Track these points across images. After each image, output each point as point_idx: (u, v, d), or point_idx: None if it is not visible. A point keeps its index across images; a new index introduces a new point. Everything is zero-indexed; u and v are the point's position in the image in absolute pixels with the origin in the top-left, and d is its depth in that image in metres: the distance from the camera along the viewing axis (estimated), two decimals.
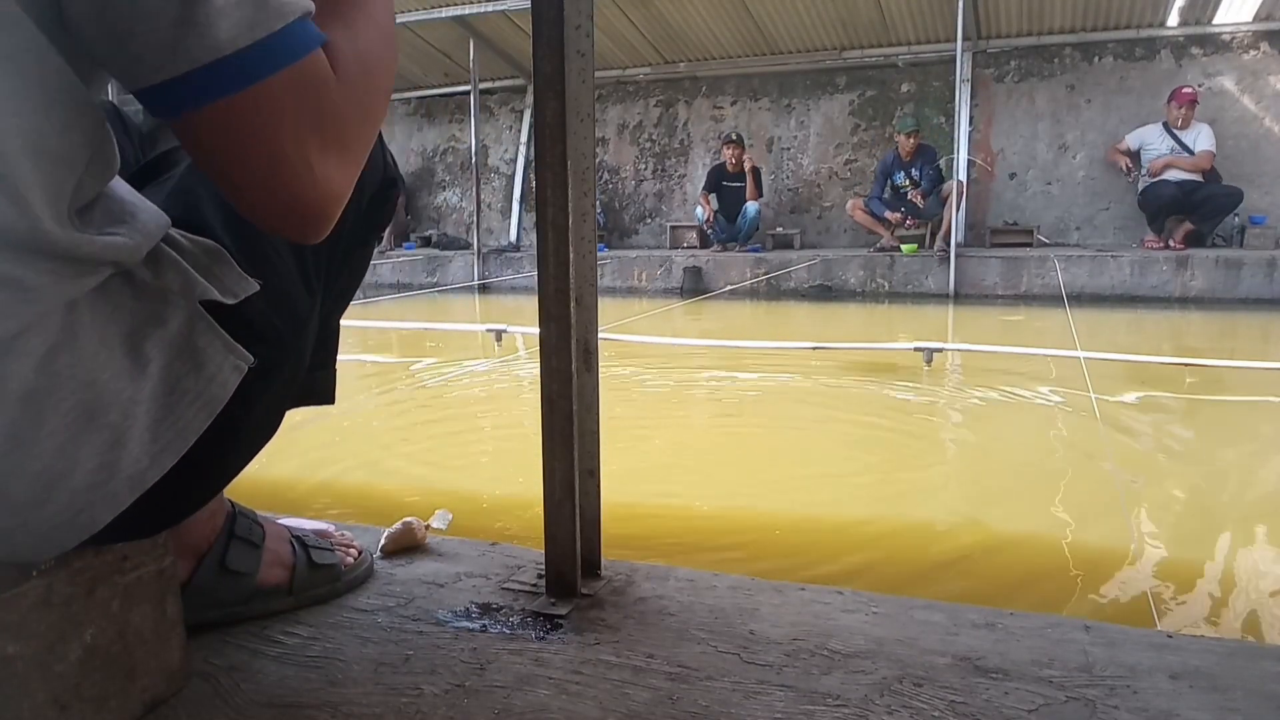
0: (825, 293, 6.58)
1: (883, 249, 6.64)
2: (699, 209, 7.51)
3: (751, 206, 7.29)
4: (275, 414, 0.70)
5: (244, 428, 0.63)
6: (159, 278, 0.54)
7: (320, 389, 0.81)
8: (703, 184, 7.72)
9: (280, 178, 0.47)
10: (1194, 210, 6.12)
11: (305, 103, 0.46)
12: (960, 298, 6.13)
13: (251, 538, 0.82)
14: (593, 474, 0.90)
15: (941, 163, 6.90)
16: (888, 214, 6.91)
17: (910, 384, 3.12)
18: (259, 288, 0.60)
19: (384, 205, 0.77)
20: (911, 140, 6.82)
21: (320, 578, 0.87)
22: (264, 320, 0.61)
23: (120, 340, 0.52)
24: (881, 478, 2.09)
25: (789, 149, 8.08)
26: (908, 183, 6.90)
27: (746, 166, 7.29)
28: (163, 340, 0.54)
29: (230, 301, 0.58)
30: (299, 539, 0.88)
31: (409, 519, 1.01)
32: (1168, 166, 6.18)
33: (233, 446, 0.64)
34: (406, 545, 1.00)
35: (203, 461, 0.60)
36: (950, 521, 1.76)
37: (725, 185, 7.46)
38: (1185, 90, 6.21)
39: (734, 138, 7.44)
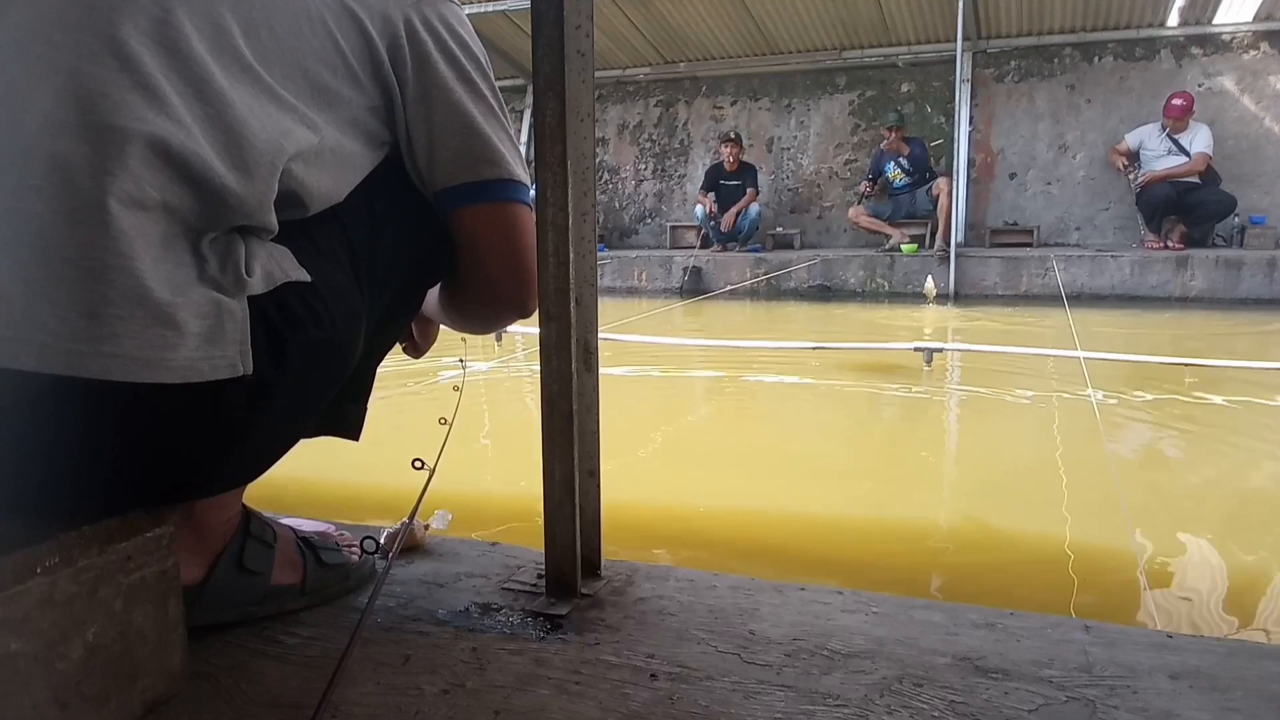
0: (825, 293, 6.58)
1: (892, 249, 6.63)
2: (699, 208, 7.50)
3: (752, 208, 7.29)
4: (314, 401, 0.73)
5: (285, 404, 0.68)
6: (224, 268, 0.62)
7: (349, 420, 0.84)
8: (701, 184, 7.72)
9: (523, 264, 0.82)
10: (1187, 213, 6.13)
11: (532, 226, 0.82)
12: (960, 298, 6.13)
13: (265, 537, 0.83)
14: (593, 474, 0.90)
15: (932, 161, 6.90)
16: (863, 184, 6.98)
17: (910, 384, 3.12)
18: (309, 279, 0.68)
19: (437, 269, 0.85)
20: (894, 133, 6.85)
21: (331, 577, 0.88)
22: (319, 304, 0.68)
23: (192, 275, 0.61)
24: (882, 478, 2.09)
25: (789, 149, 8.08)
26: (899, 173, 6.91)
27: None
28: (212, 305, 0.62)
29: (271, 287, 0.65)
30: (304, 539, 0.88)
31: (406, 519, 1.01)
32: (1161, 179, 6.16)
33: (269, 422, 0.68)
34: (406, 545, 1.00)
35: (238, 423, 0.65)
36: (950, 521, 1.76)
37: (723, 184, 7.46)
38: (1175, 103, 6.14)
39: (732, 136, 7.44)
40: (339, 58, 0.72)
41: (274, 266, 0.66)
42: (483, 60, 0.82)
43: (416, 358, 1.01)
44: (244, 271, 0.63)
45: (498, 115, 0.80)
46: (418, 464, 0.97)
